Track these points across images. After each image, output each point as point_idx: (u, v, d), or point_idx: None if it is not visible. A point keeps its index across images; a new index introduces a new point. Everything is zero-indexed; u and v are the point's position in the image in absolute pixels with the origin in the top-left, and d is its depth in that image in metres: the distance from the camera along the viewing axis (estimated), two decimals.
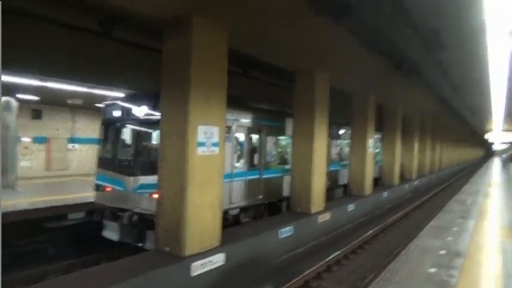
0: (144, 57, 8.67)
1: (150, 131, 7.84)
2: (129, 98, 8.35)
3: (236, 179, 8.74)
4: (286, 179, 10.63)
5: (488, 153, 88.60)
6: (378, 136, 18.28)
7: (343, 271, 8.11)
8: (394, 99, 16.91)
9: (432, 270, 5.45)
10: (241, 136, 9.17)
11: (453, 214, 10.47)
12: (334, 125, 13.74)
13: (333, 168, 13.86)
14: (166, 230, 6.21)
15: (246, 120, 9.33)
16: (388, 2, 5.35)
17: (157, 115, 6.87)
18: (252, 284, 6.84)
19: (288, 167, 10.69)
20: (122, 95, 9.18)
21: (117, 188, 7.84)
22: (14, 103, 12.55)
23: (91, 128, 18.13)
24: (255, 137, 9.76)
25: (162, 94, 6.34)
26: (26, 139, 16.39)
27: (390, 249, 9.28)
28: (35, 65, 7.96)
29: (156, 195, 6.55)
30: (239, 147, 9.12)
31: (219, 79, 6.55)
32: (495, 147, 68.68)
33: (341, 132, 15.00)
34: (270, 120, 10.33)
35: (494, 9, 4.61)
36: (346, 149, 15.21)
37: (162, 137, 6.40)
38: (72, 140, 18.50)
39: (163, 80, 6.31)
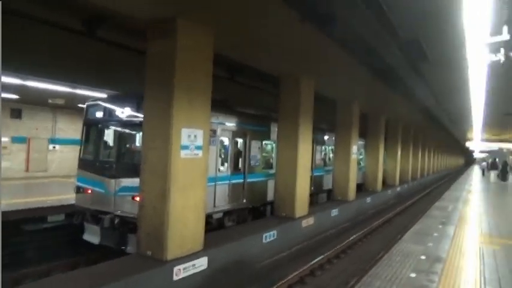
0: (129, 58, 8.58)
1: (132, 132, 7.75)
2: (112, 99, 8.24)
3: (220, 182, 8.69)
4: (271, 184, 10.64)
5: (469, 161, 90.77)
6: (362, 143, 18.52)
7: (326, 276, 8.14)
8: (378, 107, 17.19)
9: (413, 275, 5.52)
10: (226, 140, 9.15)
11: (434, 220, 10.65)
12: (318, 130, 13.86)
13: (317, 174, 13.95)
14: (148, 233, 6.11)
15: (231, 124, 9.31)
16: (370, 12, 5.45)
17: (140, 117, 6.79)
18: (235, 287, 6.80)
19: (272, 171, 10.71)
20: (104, 95, 9.04)
21: (99, 190, 7.70)
22: None
23: (73, 129, 17.78)
24: (239, 141, 9.75)
25: (145, 96, 6.27)
26: (4, 139, 15.95)
27: (372, 254, 9.36)
28: (12, 63, 7.76)
29: (138, 198, 6.45)
30: (224, 151, 9.09)
31: (204, 82, 6.52)
32: (476, 155, 70.42)
33: (326, 138, 15.13)
34: (255, 124, 10.34)
35: (472, 22, 4.75)
36: (331, 155, 15.34)
37: (144, 139, 6.32)
38: (52, 141, 18.10)
39: (147, 81, 6.25)
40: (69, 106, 16.22)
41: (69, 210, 8.78)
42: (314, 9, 5.67)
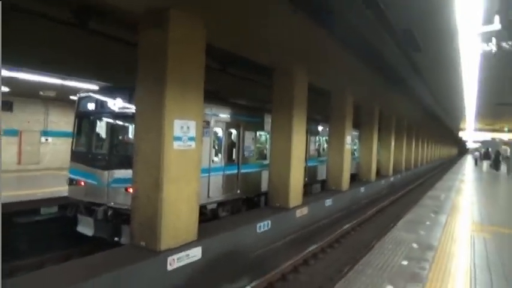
0: (121, 49, 8.49)
1: (125, 124, 7.71)
2: (104, 91, 8.18)
3: (214, 173, 8.70)
4: (265, 174, 10.67)
5: (462, 150, 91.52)
6: (356, 133, 18.58)
7: (320, 265, 8.23)
8: (371, 98, 17.22)
9: (404, 262, 5.59)
10: (219, 131, 9.14)
11: (426, 209, 10.76)
12: (313, 121, 13.87)
13: (312, 164, 14.01)
14: (141, 224, 6.12)
15: (224, 115, 9.29)
16: (364, 4, 5.43)
17: (132, 108, 6.76)
18: (229, 277, 6.85)
19: (266, 162, 10.73)
20: (96, 87, 8.96)
21: (92, 182, 7.68)
22: None
23: (65, 121, 17.62)
24: (233, 132, 9.74)
25: (137, 87, 6.23)
26: None
27: (366, 243, 9.46)
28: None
29: (131, 190, 6.44)
30: (217, 142, 9.09)
31: (197, 74, 6.49)
32: (469, 145, 71.05)
33: (320, 128, 15.16)
34: (249, 115, 10.33)
35: (464, 12, 4.75)
36: (325, 145, 15.39)
37: (137, 130, 6.30)
38: (45, 133, 17.95)
39: (139, 73, 6.19)
40: (60, 98, 16.06)
41: (63, 203, 8.75)
42: (307, 1, 5.63)
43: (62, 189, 9.47)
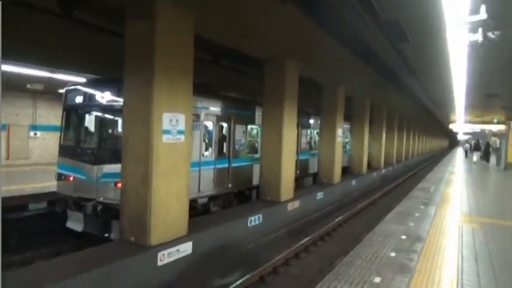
0: (109, 41, 8.34)
1: (113, 117, 7.61)
2: (92, 84, 8.05)
3: (204, 167, 8.66)
4: (256, 168, 10.65)
5: (453, 142, 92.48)
6: (347, 126, 18.64)
7: (311, 257, 8.28)
8: (363, 90, 17.23)
9: (393, 254, 5.64)
10: (210, 124, 9.08)
11: (416, 200, 10.87)
12: (304, 114, 13.86)
13: (303, 157, 14.03)
14: (131, 219, 6.07)
15: (215, 108, 9.23)
16: None
17: (121, 101, 6.65)
18: (220, 271, 6.85)
19: (257, 155, 10.71)
20: (84, 80, 8.83)
21: (80, 177, 7.59)
22: None
23: (54, 115, 17.38)
24: (224, 125, 9.69)
25: (125, 80, 6.13)
26: None
27: (356, 235, 9.53)
28: None
29: (121, 184, 6.38)
30: (208, 136, 9.03)
31: (185, 66, 6.40)
32: (459, 137, 71.77)
33: (311, 121, 15.16)
34: (240, 108, 10.28)
35: (450, 1, 4.74)
36: (317, 138, 15.41)
37: (125, 124, 6.22)
38: (33, 127, 17.70)
39: (126, 65, 6.09)
40: (49, 91, 15.82)
41: (52, 198, 8.65)
42: None
43: (51, 185, 9.36)
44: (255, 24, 7.48)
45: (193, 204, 8.19)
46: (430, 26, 6.29)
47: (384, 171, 22.67)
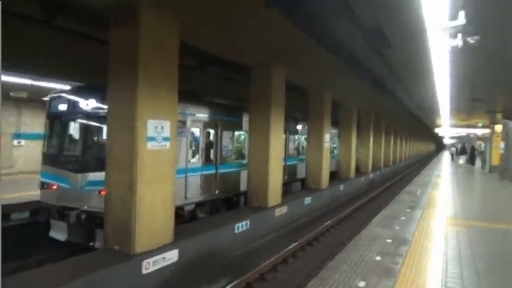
0: (94, 48, 8.28)
1: (98, 125, 7.54)
2: (76, 91, 7.98)
3: (191, 174, 8.62)
4: (244, 174, 10.64)
5: (440, 146, 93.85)
6: (335, 131, 18.78)
7: (299, 263, 8.27)
8: (349, 96, 17.40)
9: (378, 258, 5.67)
10: (196, 131, 9.06)
11: (403, 204, 10.96)
12: (292, 120, 13.93)
13: (291, 163, 14.07)
14: (115, 227, 6.00)
15: (201, 114, 9.22)
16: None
17: (105, 108, 6.60)
18: (207, 279, 6.80)
19: (245, 161, 10.70)
20: (68, 87, 8.73)
21: (64, 185, 7.48)
22: None
23: (38, 123, 17.11)
24: (211, 131, 9.68)
25: (109, 87, 6.10)
26: None
27: (344, 240, 9.56)
28: None
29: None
30: (194, 142, 9.00)
31: (170, 73, 6.40)
32: (445, 141, 72.93)
33: (299, 127, 15.23)
34: (227, 114, 10.29)
35: (430, 7, 4.83)
36: (304, 144, 15.48)
37: (109, 131, 6.17)
38: (17, 136, 17.40)
39: (110, 72, 6.07)
40: (33, 99, 15.59)
41: (35, 207, 8.50)
42: None
43: (35, 194, 9.19)
44: (241, 30, 7.51)
45: (179, 211, 8.14)
46: (411, 32, 6.39)
47: (371, 175, 22.86)
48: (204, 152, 9.25)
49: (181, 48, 6.61)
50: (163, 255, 6.16)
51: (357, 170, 20.82)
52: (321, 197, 13.90)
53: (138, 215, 5.81)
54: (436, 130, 43.37)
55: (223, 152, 9.95)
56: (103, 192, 6.55)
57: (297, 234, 9.94)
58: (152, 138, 5.98)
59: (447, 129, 36.42)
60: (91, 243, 7.08)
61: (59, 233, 7.55)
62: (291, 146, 14.32)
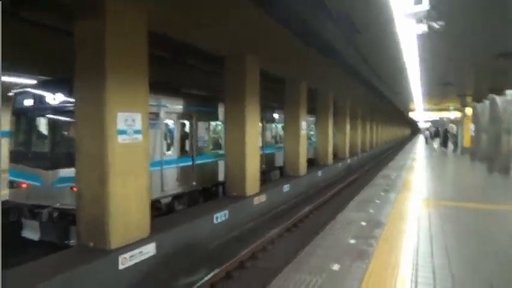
0: (63, 41, 8.00)
1: (66, 119, 7.31)
2: (42, 85, 7.71)
3: (167, 166, 8.53)
4: (221, 164, 10.62)
5: (415, 130, 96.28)
6: (312, 119, 18.94)
7: (277, 249, 8.37)
8: (325, 84, 17.56)
9: (352, 241, 5.79)
10: (170, 122, 8.94)
11: (378, 188, 11.19)
12: (268, 109, 13.95)
13: (269, 151, 14.13)
14: (88, 223, 5.89)
15: (175, 106, 9.10)
16: None
17: (73, 102, 6.40)
18: (186, 270, 6.79)
19: (222, 152, 10.67)
20: (33, 81, 8.42)
21: (34, 183, 7.26)
22: None
23: (6, 119, 16.46)
24: (186, 123, 9.58)
25: (75, 80, 5.92)
26: None
27: (322, 225, 9.69)
28: None
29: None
30: (169, 134, 8.89)
31: (140, 64, 6.26)
32: (420, 125, 74.85)
33: (276, 116, 15.27)
34: (202, 105, 10.19)
35: None
36: (282, 132, 15.56)
37: (77, 125, 6.00)
38: None
39: (77, 65, 5.89)
40: None
41: (4, 207, 8.21)
42: None
43: (4, 193, 8.90)
44: (212, 19, 7.41)
45: (156, 204, 8.07)
46: (378, 17, 6.46)
47: (349, 161, 23.28)
48: (179, 143, 9.16)
49: (152, 39, 6.46)
50: (140, 249, 6.10)
51: (335, 156, 21.13)
52: (300, 184, 14.06)
53: (111, 210, 5.72)
54: (411, 114, 44.46)
55: (199, 143, 9.88)
56: (75, 189, 6.41)
57: (276, 222, 10.04)
58: (123, 132, 5.86)
59: (421, 113, 37.39)
60: (65, 241, 6.93)
61: (31, 232, 7.35)
62: (268, 134, 14.37)
